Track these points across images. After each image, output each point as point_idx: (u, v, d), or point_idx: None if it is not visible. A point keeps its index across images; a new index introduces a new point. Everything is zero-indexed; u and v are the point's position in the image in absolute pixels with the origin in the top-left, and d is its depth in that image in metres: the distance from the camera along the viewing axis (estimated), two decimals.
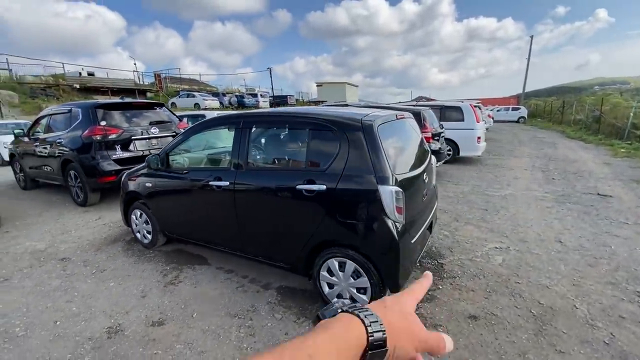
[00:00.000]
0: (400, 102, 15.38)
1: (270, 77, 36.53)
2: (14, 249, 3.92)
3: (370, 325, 0.39)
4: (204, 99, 24.08)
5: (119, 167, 5.07)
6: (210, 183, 2.88)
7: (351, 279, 2.34)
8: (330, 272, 2.45)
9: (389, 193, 2.10)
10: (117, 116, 5.48)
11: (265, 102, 30.15)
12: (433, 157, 3.17)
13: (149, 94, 26.80)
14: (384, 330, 0.39)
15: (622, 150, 10.35)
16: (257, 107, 26.85)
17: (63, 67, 25.18)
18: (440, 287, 2.92)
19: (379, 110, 2.61)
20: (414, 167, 2.56)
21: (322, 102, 38.66)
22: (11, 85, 19.74)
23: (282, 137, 2.90)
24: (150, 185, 3.47)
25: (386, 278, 2.25)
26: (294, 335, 2.34)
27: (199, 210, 3.19)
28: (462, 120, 8.63)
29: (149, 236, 3.74)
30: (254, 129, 2.81)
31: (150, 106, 6.10)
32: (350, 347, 0.37)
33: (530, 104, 34.72)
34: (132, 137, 5.39)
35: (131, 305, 2.75)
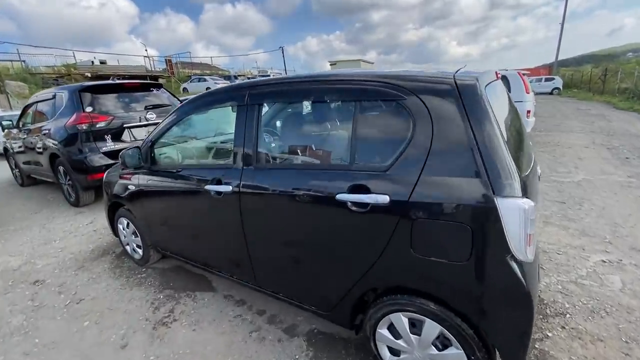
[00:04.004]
0: None
1: (283, 56, 35.15)
2: None
3: None
4: (216, 83, 23.18)
5: (110, 162, 4.26)
6: (207, 188, 1.98)
7: (432, 348, 1.42)
8: (392, 327, 1.54)
9: (516, 211, 1.14)
10: (106, 101, 4.64)
11: None
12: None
13: (160, 80, 26.12)
14: None
15: None
16: None
17: (74, 55, 24.78)
18: (549, 333, 1.97)
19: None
20: (529, 160, 1.56)
21: None
22: (22, 76, 19.44)
23: (310, 116, 1.94)
24: (133, 187, 2.62)
25: (502, 352, 1.31)
26: None
27: (195, 224, 2.32)
28: (509, 91, 7.33)
29: (140, 251, 2.94)
30: (265, 106, 1.87)
31: (146, 87, 5.23)
32: None
33: (562, 74, 31.90)
34: (124, 125, 4.56)
35: None
